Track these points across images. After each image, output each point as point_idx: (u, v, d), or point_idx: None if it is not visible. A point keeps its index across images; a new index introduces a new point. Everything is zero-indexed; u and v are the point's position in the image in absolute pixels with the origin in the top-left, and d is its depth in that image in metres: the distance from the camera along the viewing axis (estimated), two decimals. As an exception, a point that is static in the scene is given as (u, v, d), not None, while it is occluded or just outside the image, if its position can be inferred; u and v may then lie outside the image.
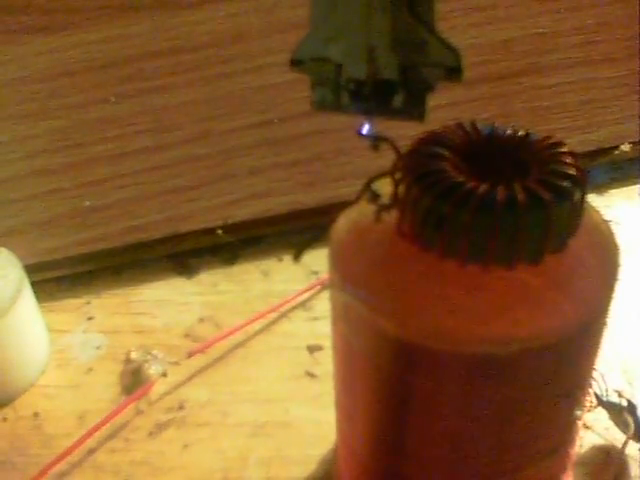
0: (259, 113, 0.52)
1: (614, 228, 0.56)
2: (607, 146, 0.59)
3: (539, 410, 0.27)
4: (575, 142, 0.58)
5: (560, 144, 0.28)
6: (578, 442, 0.40)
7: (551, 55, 0.56)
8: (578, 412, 0.29)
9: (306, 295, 0.50)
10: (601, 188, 0.60)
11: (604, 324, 0.28)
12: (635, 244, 0.54)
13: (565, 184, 0.26)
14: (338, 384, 0.33)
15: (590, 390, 0.41)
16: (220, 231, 0.53)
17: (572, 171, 0.26)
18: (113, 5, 0.48)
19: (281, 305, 0.49)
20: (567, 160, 0.27)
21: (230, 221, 0.53)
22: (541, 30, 0.55)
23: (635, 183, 0.60)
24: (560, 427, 0.29)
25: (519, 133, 0.28)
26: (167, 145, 0.52)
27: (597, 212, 0.30)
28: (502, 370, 0.26)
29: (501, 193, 0.25)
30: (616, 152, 0.59)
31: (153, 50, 0.50)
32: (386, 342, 0.27)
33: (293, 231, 0.55)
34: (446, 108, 0.53)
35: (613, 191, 0.60)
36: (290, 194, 0.53)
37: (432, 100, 0.47)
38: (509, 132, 0.28)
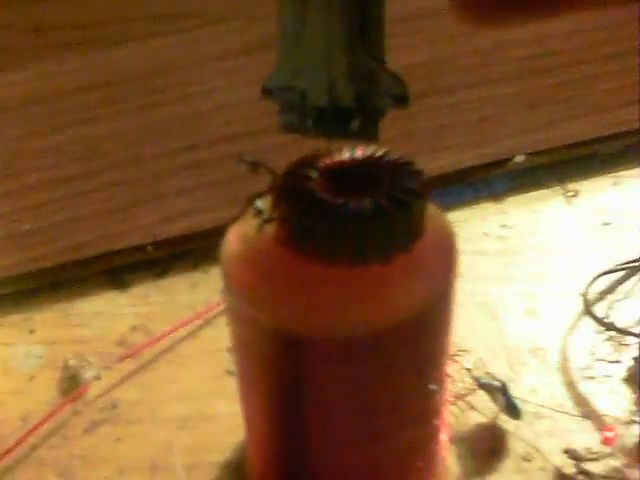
0: (184, 138, 0.57)
1: (508, 232, 0.63)
2: (503, 158, 0.65)
3: (396, 384, 0.33)
4: (473, 155, 0.64)
5: (409, 164, 0.33)
6: (451, 416, 0.46)
7: (449, 77, 0.61)
8: (434, 386, 0.35)
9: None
10: (499, 197, 0.66)
11: (447, 311, 0.34)
12: (525, 246, 0.61)
13: (406, 198, 0.31)
14: (238, 377, 0.38)
15: (471, 374, 0.47)
16: (150, 247, 0.58)
17: (414, 187, 0.32)
18: (46, 45, 0.52)
19: (205, 312, 0.54)
20: (411, 177, 0.32)
21: (159, 238, 0.58)
22: (440, 54, 0.60)
23: (529, 191, 0.66)
24: (418, 399, 0.35)
25: (377, 154, 0.34)
26: (99, 170, 0.56)
27: (442, 215, 0.35)
28: (360, 350, 0.32)
29: (352, 206, 0.31)
30: (511, 163, 0.65)
31: (84, 84, 0.53)
32: (265, 334, 0.32)
33: (218, 245, 0.60)
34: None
35: (509, 199, 0.66)
36: (214, 211, 0.58)
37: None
38: (369, 154, 0.34)
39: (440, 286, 0.33)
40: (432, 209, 0.34)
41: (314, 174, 0.33)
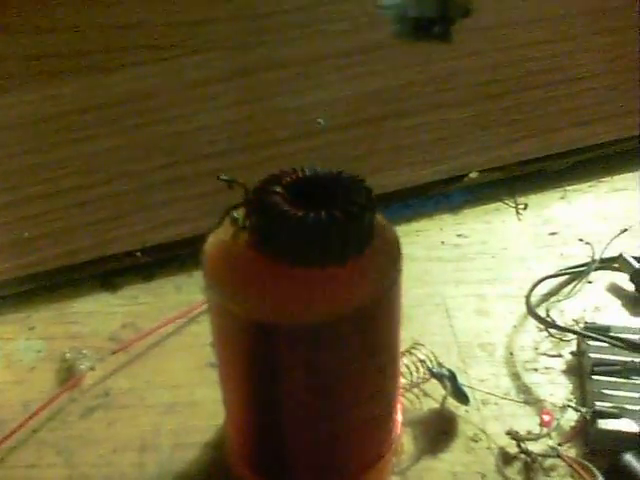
0: (169, 156, 0.63)
1: (463, 241, 0.69)
2: (459, 174, 0.72)
3: (352, 365, 0.39)
4: (431, 172, 0.70)
5: (360, 181, 0.40)
6: (407, 402, 0.52)
7: (409, 102, 0.67)
8: (385, 369, 0.41)
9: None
10: (456, 209, 0.73)
11: (394, 304, 0.40)
12: (478, 253, 0.67)
13: (357, 210, 0.37)
14: (219, 364, 0.44)
15: (425, 365, 0.53)
16: (139, 253, 0.64)
17: (364, 201, 0.38)
18: (46, 71, 0.57)
19: (189, 311, 0.60)
20: (362, 193, 0.39)
21: (147, 245, 0.64)
22: (401, 82, 0.65)
23: (483, 204, 0.73)
24: (372, 379, 0.41)
25: (334, 173, 0.40)
26: (92, 184, 0.62)
27: (389, 225, 0.41)
28: (320, 335, 0.38)
29: (311, 217, 0.37)
30: (466, 179, 0.72)
31: (80, 107, 0.59)
32: (239, 323, 0.39)
33: (201, 251, 0.65)
34: (325, 148, 0.65)
35: (466, 211, 0.72)
36: (196, 221, 0.64)
37: (313, 141, 0.60)
38: (327, 173, 0.40)
39: (386, 283, 0.39)
40: (380, 219, 0.40)
41: (280, 190, 0.39)
